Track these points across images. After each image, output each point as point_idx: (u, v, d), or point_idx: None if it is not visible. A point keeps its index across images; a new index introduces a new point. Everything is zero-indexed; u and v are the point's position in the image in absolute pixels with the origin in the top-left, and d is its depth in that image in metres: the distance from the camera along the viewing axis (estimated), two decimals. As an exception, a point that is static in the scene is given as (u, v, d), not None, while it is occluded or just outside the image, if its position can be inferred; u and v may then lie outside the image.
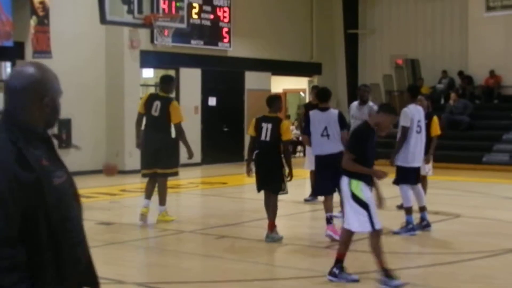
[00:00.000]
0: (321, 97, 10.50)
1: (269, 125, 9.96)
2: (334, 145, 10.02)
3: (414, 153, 10.65)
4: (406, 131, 10.57)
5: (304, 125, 10.80)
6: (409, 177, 10.67)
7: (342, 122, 10.19)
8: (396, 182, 10.80)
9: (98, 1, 14.62)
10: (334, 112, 10.27)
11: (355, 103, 12.75)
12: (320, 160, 10.26)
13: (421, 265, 9.13)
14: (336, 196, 9.82)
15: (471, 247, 9.92)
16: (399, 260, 8.86)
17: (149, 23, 15.32)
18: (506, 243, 10.11)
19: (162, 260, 9.16)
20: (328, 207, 10.20)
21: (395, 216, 11.52)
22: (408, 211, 10.64)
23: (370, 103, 12.44)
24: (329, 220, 10.15)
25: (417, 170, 10.80)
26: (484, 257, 9.26)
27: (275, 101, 10.32)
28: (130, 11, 14.86)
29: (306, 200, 13.92)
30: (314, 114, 10.36)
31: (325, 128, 10.12)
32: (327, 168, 9.97)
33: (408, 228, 10.55)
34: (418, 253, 9.99)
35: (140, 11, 15.00)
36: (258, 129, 10.06)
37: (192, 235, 10.72)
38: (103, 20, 14.52)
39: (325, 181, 10.10)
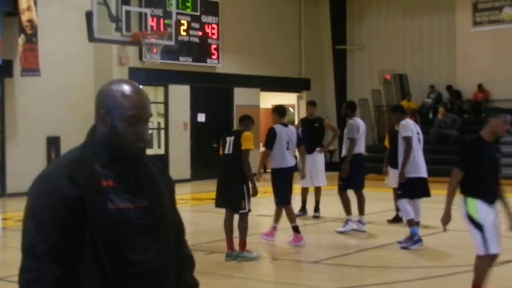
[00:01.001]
0: (280, 113, 11.18)
1: (231, 138, 9.91)
2: (292, 159, 11.11)
3: (419, 164, 10.76)
4: (409, 140, 10.70)
5: (269, 140, 11.03)
6: (411, 188, 10.77)
7: (299, 138, 11.27)
8: (399, 196, 10.93)
9: (86, 19, 14.62)
10: (293, 128, 11.26)
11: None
12: (286, 172, 10.96)
13: (412, 278, 9.13)
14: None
15: (461, 260, 9.92)
16: (390, 274, 8.87)
17: (137, 40, 15.35)
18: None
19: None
20: (278, 217, 11.27)
21: (385, 231, 11.53)
22: (410, 223, 10.70)
23: (350, 120, 12.51)
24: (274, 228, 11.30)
25: (424, 181, 10.92)
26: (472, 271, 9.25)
27: (246, 119, 10.24)
28: (118, 29, 14.88)
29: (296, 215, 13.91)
30: (280, 129, 10.94)
31: (288, 143, 10.94)
32: (287, 179, 10.90)
33: (414, 240, 10.61)
34: (408, 267, 9.98)
35: (128, 28, 15.03)
36: (223, 143, 10.04)
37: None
38: (91, 38, 14.53)
39: (285, 192, 10.93)
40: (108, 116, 2.70)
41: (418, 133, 11.04)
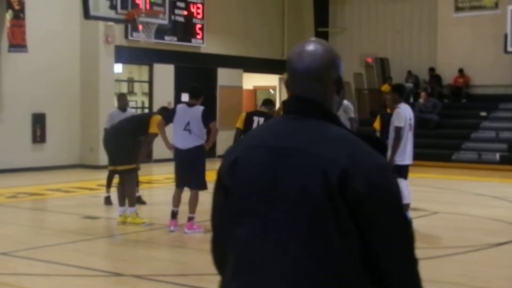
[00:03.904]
0: (192, 94, 10.69)
1: (261, 119, 10.35)
2: (193, 140, 10.33)
3: (407, 151, 10.86)
4: (399, 131, 10.73)
5: (167, 114, 10.90)
6: (401, 174, 10.86)
7: (206, 118, 10.46)
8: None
9: (82, -3, 14.60)
10: (199, 108, 10.48)
11: None
12: (180, 154, 10.42)
13: (409, 259, 9.35)
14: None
15: (453, 242, 10.21)
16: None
17: (132, 19, 15.37)
18: (486, 238, 10.40)
19: (156, 254, 9.27)
20: (177, 202, 10.50)
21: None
22: (405, 208, 10.78)
23: (345, 102, 12.75)
24: (174, 215, 10.50)
25: (407, 167, 11.01)
26: (467, 252, 9.53)
27: (270, 103, 11.20)
28: (113, 7, 14.88)
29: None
30: (180, 108, 10.63)
31: (188, 123, 10.36)
32: (183, 161, 10.32)
33: None
34: (403, 247, 10.19)
35: (123, 6, 15.03)
36: (248, 122, 10.39)
37: (181, 229, 10.80)
38: (86, 15, 14.52)
39: (181, 174, 10.43)
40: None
41: (410, 119, 11.08)
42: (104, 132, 12.38)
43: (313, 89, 2.23)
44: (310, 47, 2.25)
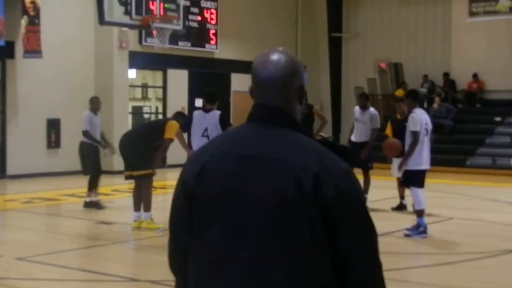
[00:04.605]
0: (208, 99, 10.71)
1: None
2: None
3: (424, 156, 10.82)
4: (417, 135, 10.71)
5: (184, 123, 10.91)
6: (417, 179, 10.82)
7: (223, 123, 10.41)
8: (407, 184, 10.97)
9: (97, 3, 14.67)
10: (216, 113, 10.49)
11: (357, 108, 13.89)
12: None
13: (424, 265, 9.33)
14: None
15: (469, 247, 10.15)
16: (403, 259, 9.06)
17: (146, 24, 15.42)
18: (502, 244, 10.35)
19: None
20: None
21: (389, 217, 11.73)
22: (420, 213, 10.74)
23: (371, 109, 13.82)
24: None
25: (425, 172, 10.96)
26: (483, 258, 9.48)
27: None
28: (127, 12, 14.94)
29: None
30: (196, 115, 10.63)
31: (206, 129, 10.36)
32: None
33: (419, 230, 10.67)
34: (418, 253, 10.16)
35: (137, 12, 15.09)
36: None
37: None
38: (101, 21, 14.60)
39: None
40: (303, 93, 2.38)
41: (426, 124, 11.06)
42: (83, 135, 13.09)
43: (276, 97, 2.26)
44: (274, 56, 2.29)
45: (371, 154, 13.56)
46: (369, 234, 2.19)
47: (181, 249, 2.28)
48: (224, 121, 10.47)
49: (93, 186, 13.38)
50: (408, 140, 10.84)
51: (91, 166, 13.48)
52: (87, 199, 13.34)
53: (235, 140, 2.26)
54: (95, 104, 13.81)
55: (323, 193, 2.09)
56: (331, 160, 2.17)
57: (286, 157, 2.15)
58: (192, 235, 2.22)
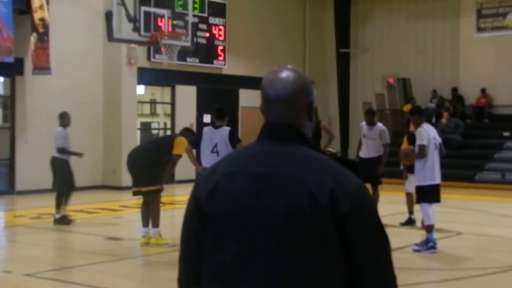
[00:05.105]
0: (218, 115, 10.71)
1: None
2: None
3: (435, 170, 10.81)
4: (423, 149, 10.72)
5: (194, 139, 10.94)
6: (430, 195, 10.81)
7: (233, 139, 10.42)
8: (422, 201, 10.92)
9: (105, 20, 14.76)
10: (226, 130, 10.50)
11: (364, 124, 13.88)
12: None
13: (435, 280, 9.28)
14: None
15: (478, 263, 10.11)
16: (413, 275, 9.01)
17: (155, 41, 15.48)
18: (512, 260, 10.30)
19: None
20: None
21: (398, 233, 11.69)
22: (429, 229, 10.72)
23: (379, 124, 13.87)
24: None
25: (438, 187, 10.94)
26: (493, 273, 9.43)
27: None
28: (136, 29, 15.01)
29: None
30: (206, 131, 10.63)
31: (215, 145, 10.35)
32: None
33: (428, 246, 10.63)
34: (428, 269, 10.12)
35: (146, 29, 15.16)
36: None
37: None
38: (110, 38, 14.65)
39: None
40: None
41: (434, 138, 11.06)
42: (59, 151, 13.28)
43: (284, 114, 2.29)
44: (282, 74, 2.32)
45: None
46: (384, 246, 2.21)
47: (191, 265, 2.29)
48: (233, 137, 10.47)
49: (61, 202, 13.39)
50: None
51: (62, 182, 13.50)
52: (57, 216, 13.36)
53: (247, 157, 2.28)
54: (65, 120, 13.87)
55: (338, 207, 2.11)
56: (344, 175, 2.19)
57: (299, 173, 2.16)
58: (204, 252, 2.23)
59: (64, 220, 13.28)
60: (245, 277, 2.14)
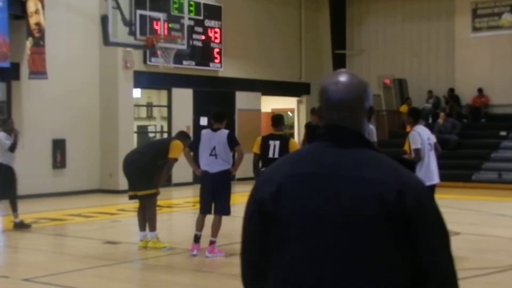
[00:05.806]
0: (216, 118, 10.66)
1: (277, 142, 10.29)
2: (219, 165, 10.28)
3: (432, 170, 10.82)
4: (419, 152, 10.72)
5: (192, 142, 10.96)
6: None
7: (232, 142, 10.41)
8: None
9: (101, 23, 14.75)
10: (224, 132, 10.45)
11: None
12: (208, 177, 10.36)
13: (432, 281, 9.27)
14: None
15: (476, 263, 10.10)
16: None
17: (151, 44, 15.49)
18: (510, 260, 10.33)
19: (177, 278, 9.25)
20: (200, 226, 10.52)
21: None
22: None
23: (370, 126, 13.22)
24: (197, 239, 10.45)
25: (435, 187, 10.95)
26: (491, 273, 9.45)
27: (281, 120, 10.92)
28: (132, 33, 15.01)
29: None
30: (205, 133, 10.58)
31: (214, 148, 10.30)
32: (210, 186, 10.33)
33: None
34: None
35: (142, 32, 15.17)
36: (265, 146, 10.37)
37: (201, 254, 10.78)
38: (106, 41, 14.66)
39: (206, 200, 10.47)
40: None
41: (428, 139, 11.06)
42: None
43: (346, 117, 2.33)
44: (345, 79, 2.38)
45: None
46: (447, 244, 2.26)
47: (252, 266, 2.34)
48: (232, 140, 10.46)
49: (16, 206, 13.44)
50: (412, 155, 10.87)
51: (11, 188, 13.55)
52: (17, 220, 13.38)
53: (310, 159, 2.32)
54: (8, 125, 13.96)
55: (406, 206, 2.16)
56: (407, 175, 2.27)
57: (363, 173, 2.22)
58: (265, 253, 2.27)
59: (23, 225, 13.33)
60: (312, 277, 2.17)
